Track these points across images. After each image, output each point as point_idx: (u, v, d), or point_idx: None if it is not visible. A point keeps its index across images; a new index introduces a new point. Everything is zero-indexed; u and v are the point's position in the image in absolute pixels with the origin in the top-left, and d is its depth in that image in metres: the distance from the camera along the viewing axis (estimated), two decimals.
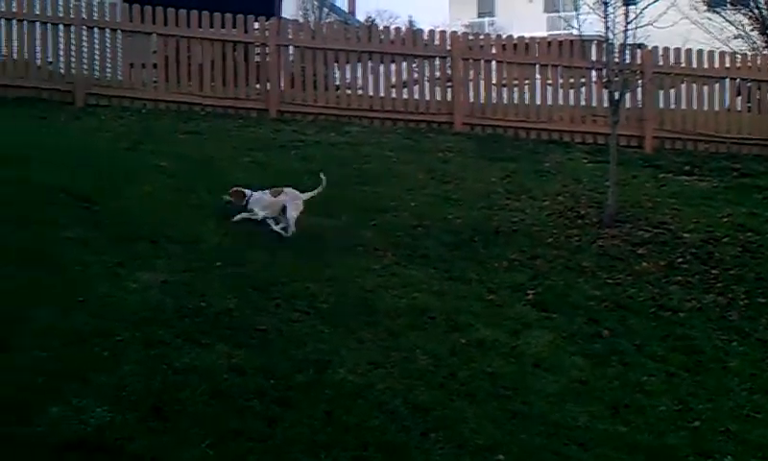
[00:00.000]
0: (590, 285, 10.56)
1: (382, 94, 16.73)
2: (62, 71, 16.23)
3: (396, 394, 7.46)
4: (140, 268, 8.93)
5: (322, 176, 10.82)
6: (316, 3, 39.23)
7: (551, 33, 34.10)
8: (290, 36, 17.03)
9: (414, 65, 16.88)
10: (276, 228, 10.64)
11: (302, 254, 10.13)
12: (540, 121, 16.57)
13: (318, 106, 16.49)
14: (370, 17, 47.87)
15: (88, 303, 7.92)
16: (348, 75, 17.29)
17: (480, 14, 58.36)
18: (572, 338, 9.27)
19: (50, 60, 16.30)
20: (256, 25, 16.81)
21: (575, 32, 14.71)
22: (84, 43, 16.24)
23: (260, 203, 10.63)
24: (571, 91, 16.71)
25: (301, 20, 29.99)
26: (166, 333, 7.61)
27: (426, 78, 16.92)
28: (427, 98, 16.75)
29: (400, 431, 6.89)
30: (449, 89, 16.68)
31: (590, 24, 14.20)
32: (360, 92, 16.96)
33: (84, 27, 16.25)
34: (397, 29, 18.33)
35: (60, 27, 16.19)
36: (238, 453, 6.10)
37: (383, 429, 6.84)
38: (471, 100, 16.66)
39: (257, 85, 16.70)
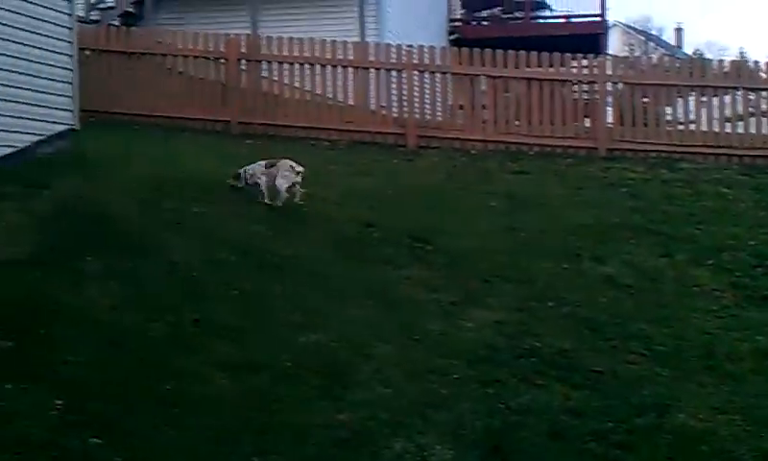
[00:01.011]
0: None
1: (716, 129, 16.16)
2: (395, 115, 16.75)
3: (741, 441, 7.14)
4: (474, 306, 9.04)
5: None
6: (642, 38, 38.64)
7: None
8: (619, 73, 16.80)
9: (750, 98, 16.22)
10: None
11: (638, 294, 9.93)
12: None
13: (648, 143, 16.11)
14: (697, 51, 46.52)
15: (424, 341, 8.10)
16: (680, 110, 16.81)
17: None
18: None
19: (383, 104, 16.88)
20: (584, 63, 16.73)
21: None
22: (416, 87, 16.71)
23: (256, 172, 11.03)
24: None
25: (628, 57, 29.58)
26: (501, 372, 7.64)
27: (763, 111, 16.20)
28: (764, 131, 16.01)
29: None
30: None
31: None
32: (693, 128, 16.46)
33: (416, 71, 16.72)
34: (733, 62, 17.71)
35: (393, 72, 16.75)
36: None
37: None
38: None
39: (586, 124, 16.58)
